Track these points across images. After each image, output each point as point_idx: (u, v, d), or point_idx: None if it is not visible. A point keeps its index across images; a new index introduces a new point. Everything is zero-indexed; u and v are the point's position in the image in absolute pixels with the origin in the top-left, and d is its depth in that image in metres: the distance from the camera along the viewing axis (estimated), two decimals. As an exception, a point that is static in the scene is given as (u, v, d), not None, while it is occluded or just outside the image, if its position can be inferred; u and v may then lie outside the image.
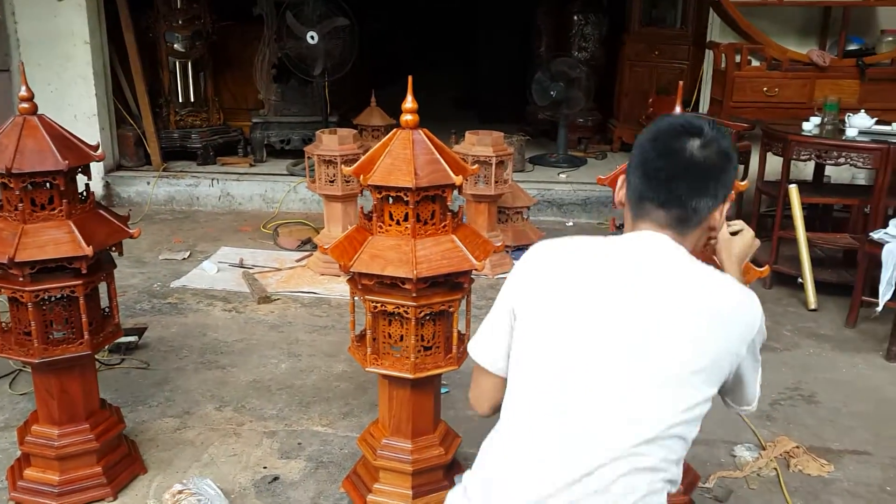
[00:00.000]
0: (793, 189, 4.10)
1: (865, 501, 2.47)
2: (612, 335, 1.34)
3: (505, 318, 1.51)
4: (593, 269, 1.42)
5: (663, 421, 1.32)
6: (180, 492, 2.34)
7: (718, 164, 1.40)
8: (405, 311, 2.13)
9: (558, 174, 6.16)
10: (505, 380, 1.51)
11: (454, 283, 2.17)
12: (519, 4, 8.04)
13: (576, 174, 6.16)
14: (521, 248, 4.83)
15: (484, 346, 1.56)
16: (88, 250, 2.11)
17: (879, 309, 3.55)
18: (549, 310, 1.42)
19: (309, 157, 4.41)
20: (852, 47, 5.06)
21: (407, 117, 2.12)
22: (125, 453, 2.52)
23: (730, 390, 1.50)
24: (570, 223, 5.54)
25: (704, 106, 5.66)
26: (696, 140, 1.39)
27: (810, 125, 4.18)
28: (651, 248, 1.41)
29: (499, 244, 2.31)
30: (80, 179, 2.26)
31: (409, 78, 2.11)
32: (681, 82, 2.07)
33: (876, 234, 3.64)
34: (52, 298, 2.25)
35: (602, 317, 1.36)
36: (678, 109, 2.00)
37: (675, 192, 1.40)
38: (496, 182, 4.40)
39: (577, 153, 6.78)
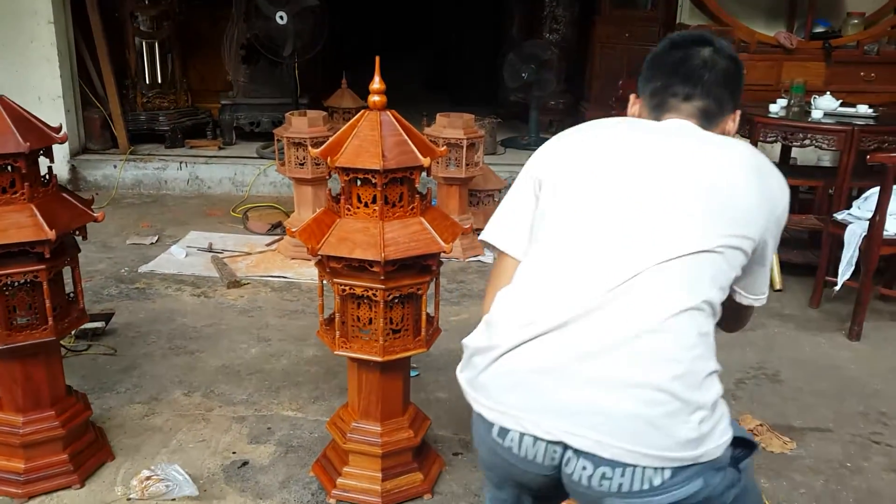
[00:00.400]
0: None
1: (826, 477, 2.53)
2: (646, 175, 1.39)
3: (527, 196, 1.51)
4: (627, 131, 1.49)
5: (699, 245, 1.34)
6: (148, 478, 2.33)
7: (733, 67, 1.52)
8: (374, 294, 2.12)
9: (530, 157, 6.16)
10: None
11: (423, 265, 2.17)
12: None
13: (547, 157, 6.17)
14: (492, 231, 4.84)
15: (506, 230, 1.54)
16: (51, 234, 2.08)
17: (837, 288, 3.62)
18: (586, 163, 1.45)
19: (278, 140, 4.37)
20: (819, 30, 5.12)
21: (375, 98, 2.11)
22: (92, 440, 2.49)
23: (747, 273, 1.49)
24: (542, 206, 5.55)
25: (674, 88, 5.69)
26: (710, 47, 1.51)
27: (777, 107, 4.23)
28: (684, 122, 1.49)
29: (467, 226, 2.31)
30: (43, 162, 2.22)
31: (377, 58, 2.10)
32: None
33: (839, 215, 3.71)
34: (15, 284, 2.21)
35: (637, 160, 1.42)
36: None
37: (701, 83, 1.49)
38: (467, 165, 4.39)
39: (548, 135, 6.76)
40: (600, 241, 1.37)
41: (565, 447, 1.31)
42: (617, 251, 1.35)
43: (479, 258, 4.47)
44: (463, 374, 1.47)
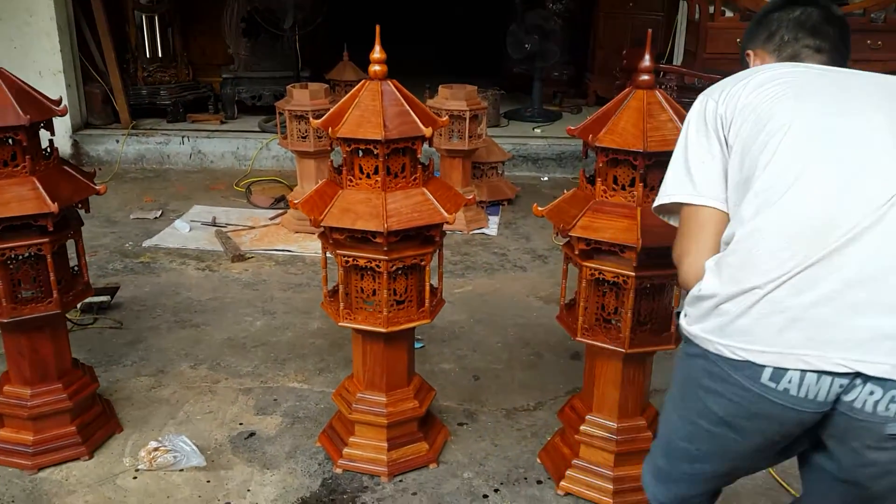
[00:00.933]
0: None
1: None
2: (869, 99, 1.38)
3: (714, 146, 1.45)
4: (819, 69, 1.49)
5: None
6: (156, 449, 2.35)
7: (846, 26, 1.61)
8: (377, 266, 2.12)
9: (533, 129, 6.13)
10: (726, 215, 1.42)
11: (426, 236, 2.17)
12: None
13: (551, 128, 6.14)
14: (495, 204, 4.83)
15: (704, 182, 1.44)
16: (54, 207, 2.07)
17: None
18: (806, 96, 1.39)
19: (280, 113, 4.34)
20: (826, -3, 5.05)
21: (375, 68, 2.09)
22: (99, 412, 2.51)
23: None
24: (546, 178, 5.53)
25: (679, 58, 5.64)
26: (822, 5, 1.60)
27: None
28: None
29: (470, 197, 2.30)
30: (44, 136, 2.21)
31: (377, 27, 2.07)
32: (649, 30, 2.05)
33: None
34: (20, 257, 2.22)
35: (853, 88, 1.41)
36: (647, 60, 1.98)
37: (829, 38, 1.57)
38: (470, 137, 4.37)
39: (552, 107, 6.75)
40: (849, 168, 1.30)
41: (852, 378, 1.27)
42: (869, 173, 1.29)
43: (483, 230, 4.46)
44: (702, 325, 1.39)
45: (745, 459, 1.49)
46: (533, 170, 5.63)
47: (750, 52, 1.67)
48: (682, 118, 1.94)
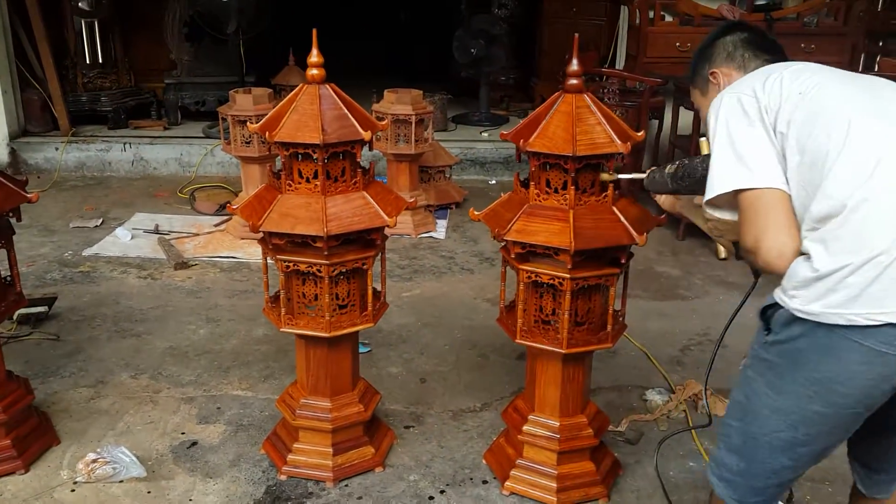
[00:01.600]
0: (703, 142, 4.16)
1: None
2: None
3: (762, 134, 1.48)
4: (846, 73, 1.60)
5: None
6: (94, 461, 2.30)
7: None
8: (318, 270, 2.11)
9: (481, 133, 6.17)
10: (788, 195, 1.46)
11: (367, 240, 2.16)
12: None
13: (498, 132, 6.16)
14: (443, 207, 4.85)
15: (765, 168, 1.46)
16: (-19, 216, 2.02)
17: (752, 291, 3.68)
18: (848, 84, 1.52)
19: (223, 119, 4.29)
20: (761, 2, 5.19)
21: (313, 71, 2.08)
22: (36, 425, 2.44)
23: None
24: (493, 181, 5.57)
25: (621, 62, 5.74)
26: (753, 29, 1.89)
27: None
28: None
29: (412, 200, 2.30)
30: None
31: (314, 31, 2.07)
32: (576, 35, 2.08)
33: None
34: (-53, 268, 2.15)
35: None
36: (575, 65, 2.02)
37: (779, 50, 1.81)
38: (416, 141, 4.38)
39: (499, 111, 6.80)
40: None
41: None
42: None
43: (431, 234, 4.47)
44: (825, 301, 1.40)
45: (851, 430, 1.54)
46: (481, 173, 5.67)
47: (716, 70, 1.80)
48: (610, 121, 1.98)
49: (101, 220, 4.55)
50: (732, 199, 1.52)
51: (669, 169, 1.92)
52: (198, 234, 4.37)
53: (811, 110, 1.46)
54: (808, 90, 1.48)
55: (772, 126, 1.49)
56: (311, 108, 2.04)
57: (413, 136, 4.35)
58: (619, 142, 1.95)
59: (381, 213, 2.11)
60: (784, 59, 1.73)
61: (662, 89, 4.81)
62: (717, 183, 1.51)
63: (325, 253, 2.06)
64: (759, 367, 1.56)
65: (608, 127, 1.97)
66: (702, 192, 1.68)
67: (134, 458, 2.31)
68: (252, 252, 4.09)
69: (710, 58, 1.83)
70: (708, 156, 1.70)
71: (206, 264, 3.96)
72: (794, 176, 1.46)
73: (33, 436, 2.41)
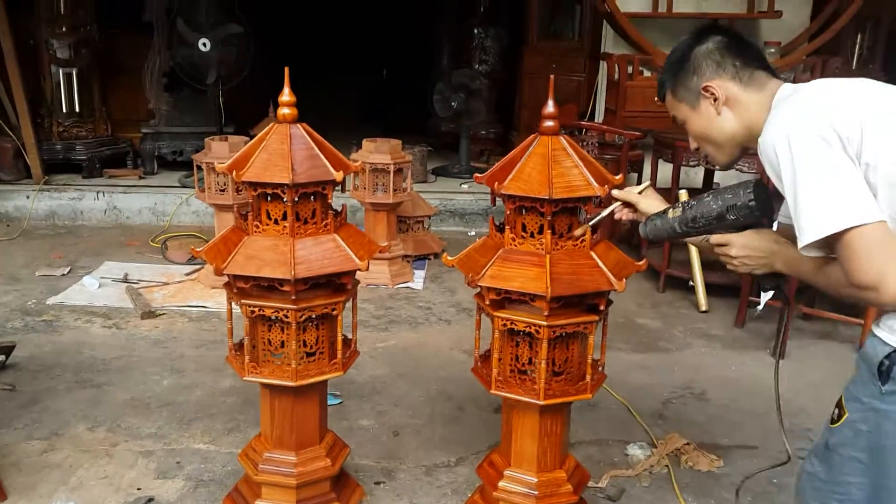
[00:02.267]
0: (682, 194, 4.15)
1: (754, 494, 2.50)
2: None
3: (850, 164, 1.43)
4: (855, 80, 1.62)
5: None
6: (41, 519, 2.15)
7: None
8: (285, 316, 2.02)
9: (460, 185, 6.15)
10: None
11: (337, 284, 2.08)
12: (422, 18, 8.05)
13: (478, 185, 6.14)
14: (421, 258, 4.78)
15: (867, 201, 1.40)
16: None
17: (760, 308, 3.65)
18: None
19: (199, 167, 4.23)
20: (737, 59, 5.26)
21: (284, 111, 2.02)
22: (-19, 480, 2.30)
23: None
24: (472, 233, 5.53)
25: (600, 116, 5.77)
26: (728, 33, 1.79)
27: (698, 133, 4.29)
28: None
29: (384, 244, 2.23)
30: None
31: (286, 69, 2.02)
32: (552, 77, 2.05)
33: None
34: None
35: None
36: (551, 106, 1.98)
37: (763, 54, 1.76)
38: (395, 190, 4.32)
39: (479, 164, 6.79)
40: None
41: None
42: None
43: (409, 284, 4.39)
44: None
45: None
46: (460, 224, 5.62)
47: (710, 85, 1.68)
48: (587, 164, 1.93)
49: (68, 269, 4.43)
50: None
51: (673, 213, 1.80)
52: (167, 283, 4.25)
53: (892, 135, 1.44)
54: (880, 115, 1.46)
55: (857, 156, 1.44)
56: (281, 148, 1.98)
57: (391, 185, 4.30)
58: (596, 185, 1.90)
59: (353, 256, 2.03)
60: (766, 61, 1.70)
61: (641, 143, 4.82)
62: (825, 224, 1.41)
63: (293, 297, 1.97)
64: (876, 420, 1.48)
65: (585, 170, 1.92)
66: (717, 230, 1.69)
67: (84, 517, 2.17)
68: (222, 301, 3.94)
69: (696, 70, 1.71)
70: (721, 192, 1.68)
71: (174, 314, 3.84)
72: (884, 207, 1.42)
73: (-23, 492, 2.27)
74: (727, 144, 1.74)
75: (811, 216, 1.43)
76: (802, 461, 1.74)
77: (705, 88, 1.69)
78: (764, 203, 1.64)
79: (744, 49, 1.69)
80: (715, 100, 1.69)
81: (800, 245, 1.47)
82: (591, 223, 1.94)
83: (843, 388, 1.58)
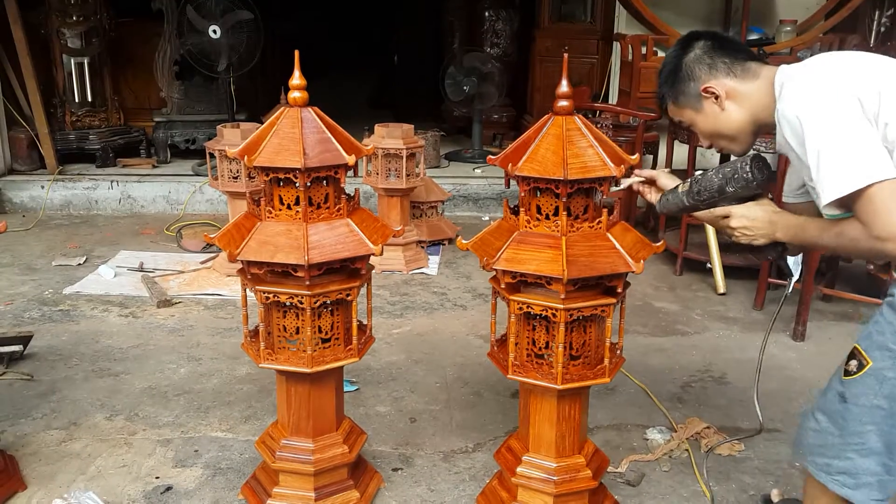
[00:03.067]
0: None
1: (775, 478, 2.47)
2: None
3: (867, 124, 1.52)
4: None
5: None
6: (60, 507, 2.16)
7: None
8: (299, 302, 2.00)
9: (473, 169, 6.12)
10: None
11: (351, 269, 2.06)
12: (432, 2, 7.99)
13: (491, 169, 6.11)
14: (436, 244, 4.75)
15: (886, 158, 1.51)
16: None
17: (789, 291, 3.60)
18: None
19: (211, 155, 4.22)
20: (753, 37, 5.18)
21: (295, 94, 2.00)
22: (0, 469, 2.31)
23: None
24: (486, 217, 5.49)
25: (614, 97, 5.71)
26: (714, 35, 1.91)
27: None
28: None
29: (398, 228, 2.21)
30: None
31: (296, 52, 1.99)
32: (565, 54, 2.05)
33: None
34: None
35: None
36: (565, 86, 1.96)
37: (749, 49, 1.92)
38: (408, 175, 4.30)
39: (492, 149, 6.75)
40: None
41: None
42: None
43: (423, 270, 4.37)
44: None
45: None
46: (474, 210, 5.59)
47: (709, 85, 1.80)
48: (602, 144, 1.90)
49: (84, 259, 4.44)
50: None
51: (682, 188, 1.89)
52: (183, 272, 4.25)
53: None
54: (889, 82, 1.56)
55: (874, 119, 1.54)
56: (293, 132, 1.95)
57: (404, 170, 4.27)
58: (612, 165, 1.86)
59: (366, 240, 2.01)
60: (752, 53, 1.81)
61: (656, 124, 4.76)
62: (849, 179, 1.51)
63: (307, 283, 1.95)
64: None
65: (600, 150, 1.88)
66: (720, 202, 1.78)
67: (102, 504, 2.17)
68: (237, 289, 3.96)
69: (691, 76, 1.83)
70: (723, 166, 1.76)
71: (190, 302, 3.84)
72: None
73: (-3, 481, 2.27)
74: (739, 135, 1.85)
75: (835, 174, 1.52)
76: (802, 419, 1.80)
77: (705, 90, 1.81)
78: (762, 176, 1.71)
79: (729, 47, 1.81)
80: (716, 98, 1.80)
81: (822, 203, 1.55)
82: (622, 185, 2.00)
83: (858, 340, 1.67)
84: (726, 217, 1.79)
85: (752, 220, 1.75)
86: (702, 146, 2.04)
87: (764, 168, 1.72)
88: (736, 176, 1.73)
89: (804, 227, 1.70)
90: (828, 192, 1.53)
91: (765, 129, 1.83)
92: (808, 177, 1.64)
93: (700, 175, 1.84)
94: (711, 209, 1.84)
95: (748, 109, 1.79)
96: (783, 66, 1.75)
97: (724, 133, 1.85)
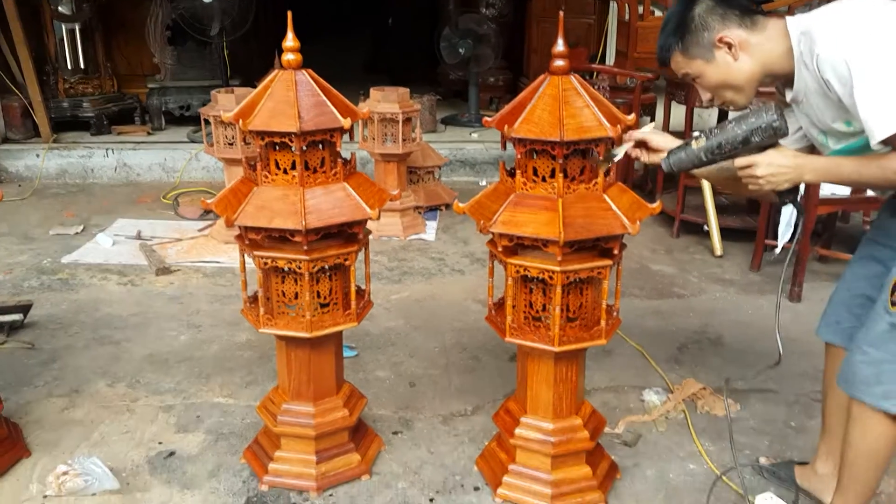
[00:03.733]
0: (697, 137, 4.13)
1: (771, 437, 2.50)
2: None
3: None
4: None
5: None
6: (65, 473, 2.18)
7: None
8: (297, 267, 2.00)
9: (470, 133, 6.08)
10: None
11: (349, 234, 2.06)
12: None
13: (488, 133, 6.08)
14: (433, 209, 4.74)
15: None
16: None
17: (778, 250, 3.62)
18: None
19: (206, 121, 4.19)
20: (752, -4, 5.12)
21: (289, 56, 1.98)
22: (4, 437, 2.32)
23: None
24: (484, 182, 5.48)
25: (611, 59, 5.66)
26: None
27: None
28: None
29: (395, 192, 2.20)
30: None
31: (289, 13, 1.97)
32: (561, 13, 2.02)
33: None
34: None
35: None
36: (561, 45, 1.93)
37: None
38: (404, 140, 4.27)
39: (489, 112, 6.70)
40: None
41: None
42: None
43: (421, 236, 4.37)
44: None
45: None
46: (470, 174, 5.57)
47: (723, 35, 1.79)
48: (599, 104, 1.88)
49: (82, 227, 4.44)
50: None
51: (697, 144, 1.87)
52: (181, 240, 4.25)
53: None
54: None
55: None
56: (287, 95, 1.94)
57: (400, 135, 4.24)
58: (608, 125, 1.85)
59: (363, 205, 2.00)
60: (756, 7, 1.81)
61: (653, 85, 4.73)
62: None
63: (305, 248, 1.95)
64: None
65: (597, 110, 1.87)
66: (742, 153, 1.79)
67: (106, 470, 2.19)
68: (236, 256, 3.95)
69: (705, 26, 1.81)
70: (742, 118, 1.77)
71: (188, 270, 3.85)
72: None
73: (1, 448, 2.29)
74: (748, 85, 1.85)
75: (889, 110, 1.57)
76: (847, 357, 1.83)
77: (720, 40, 1.80)
78: (786, 125, 1.74)
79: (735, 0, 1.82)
80: (730, 48, 1.80)
81: (876, 140, 1.61)
82: (618, 156, 1.95)
83: None
84: (749, 167, 1.79)
85: (779, 166, 1.76)
86: (700, 104, 2.04)
87: (784, 117, 1.75)
88: (763, 125, 1.74)
89: (839, 164, 1.74)
90: (884, 129, 1.58)
91: (768, 81, 1.85)
92: (839, 119, 1.72)
93: (717, 129, 1.84)
94: (731, 160, 1.84)
95: (758, 59, 1.80)
96: (796, 16, 1.77)
97: (733, 83, 1.85)
